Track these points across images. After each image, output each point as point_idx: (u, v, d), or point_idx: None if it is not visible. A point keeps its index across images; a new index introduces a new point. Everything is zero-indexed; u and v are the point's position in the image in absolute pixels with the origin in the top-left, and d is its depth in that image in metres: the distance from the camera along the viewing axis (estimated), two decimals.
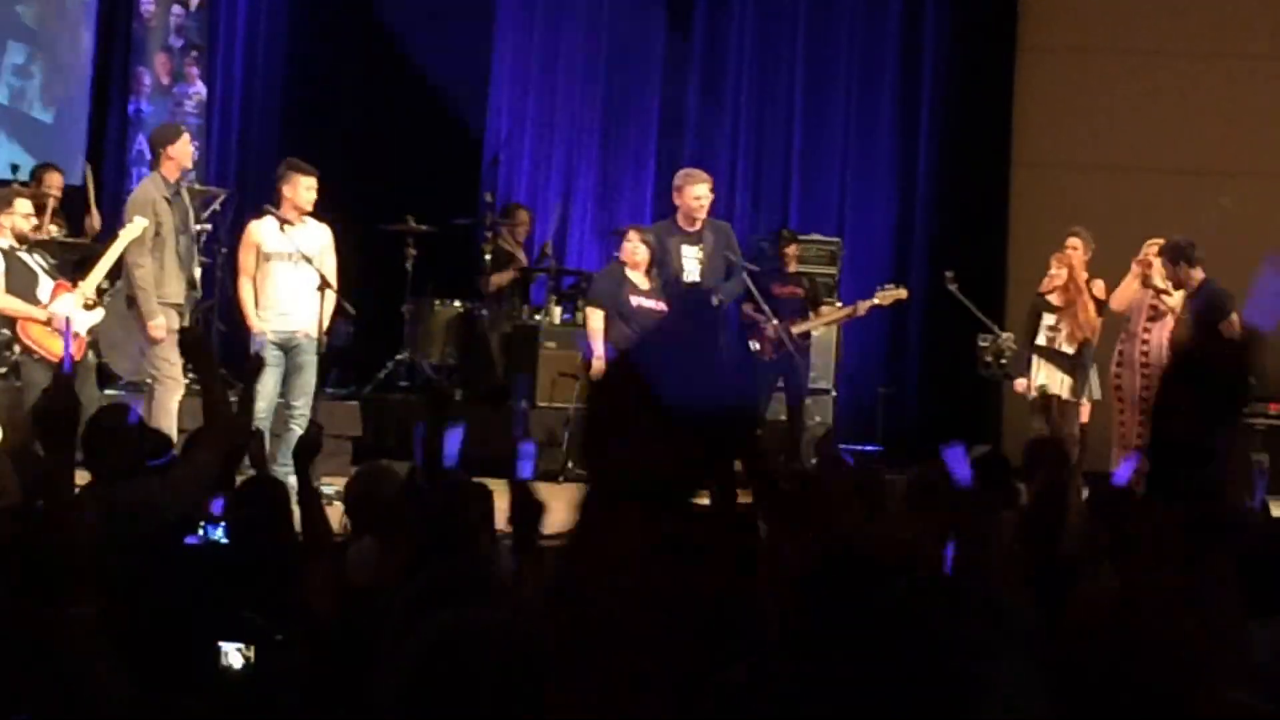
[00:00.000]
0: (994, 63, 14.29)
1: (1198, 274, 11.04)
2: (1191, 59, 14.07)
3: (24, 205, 10.41)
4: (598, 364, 10.55)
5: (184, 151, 10.57)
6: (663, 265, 11.03)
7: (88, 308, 10.32)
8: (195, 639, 4.09)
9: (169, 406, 9.98)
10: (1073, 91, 14.19)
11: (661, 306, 10.86)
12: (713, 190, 11.25)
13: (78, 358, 10.17)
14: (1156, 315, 11.26)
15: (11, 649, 3.57)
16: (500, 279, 13.38)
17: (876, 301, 12.06)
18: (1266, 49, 14.15)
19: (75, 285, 10.39)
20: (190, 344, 6.79)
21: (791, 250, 12.27)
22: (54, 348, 10.16)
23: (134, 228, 10.22)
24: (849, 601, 2.79)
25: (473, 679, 2.66)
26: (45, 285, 10.32)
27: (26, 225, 10.37)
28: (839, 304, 12.68)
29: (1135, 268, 11.22)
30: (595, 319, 11.02)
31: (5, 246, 10.21)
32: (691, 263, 11.06)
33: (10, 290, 10.20)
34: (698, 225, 11.12)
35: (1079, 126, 14.15)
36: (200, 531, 5.13)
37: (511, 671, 2.66)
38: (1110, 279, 11.59)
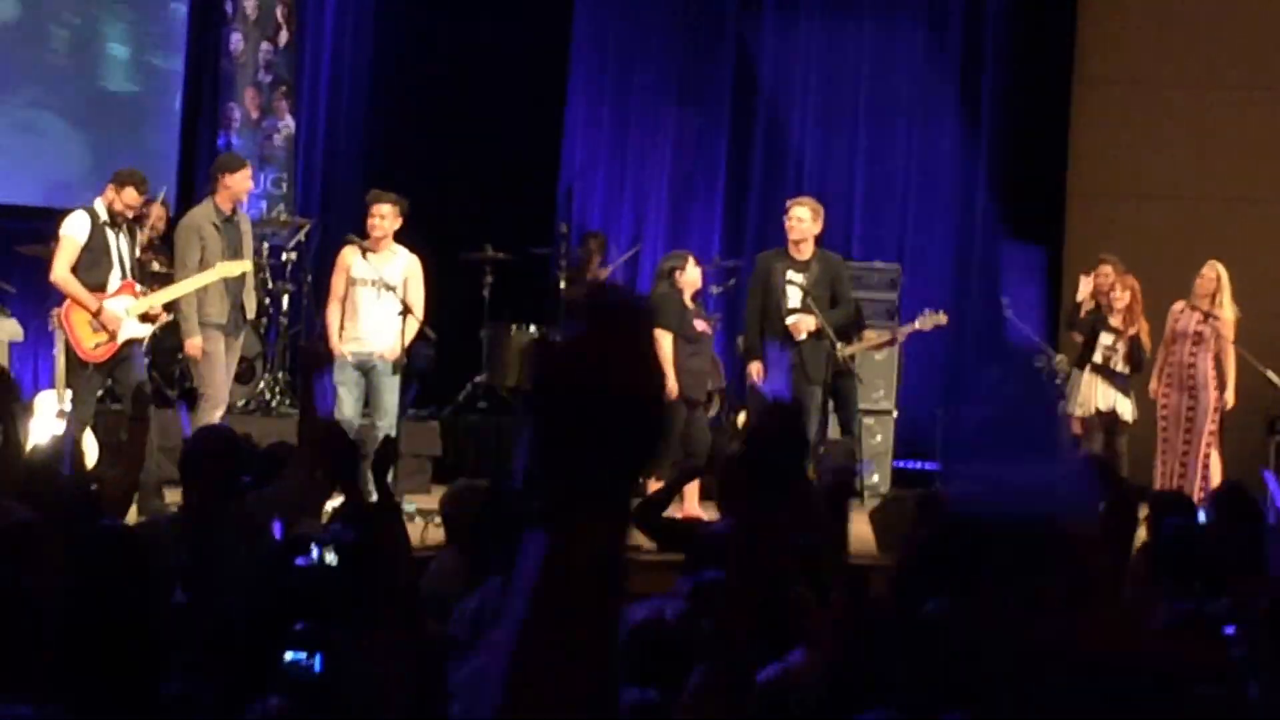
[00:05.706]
0: (1051, 94, 14.55)
1: None
2: (1245, 90, 14.27)
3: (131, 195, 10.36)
4: (672, 384, 10.61)
5: (241, 184, 10.78)
6: (767, 289, 11.24)
7: (143, 319, 10.36)
8: (274, 647, 4.35)
9: (207, 422, 9.82)
10: (1128, 122, 14.40)
11: (707, 326, 11.26)
12: (818, 217, 11.33)
13: (100, 359, 10.21)
14: (1201, 339, 11.75)
15: None
16: (572, 292, 13.70)
17: (916, 326, 12.31)
18: None
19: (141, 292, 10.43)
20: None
21: None
22: (84, 340, 10.20)
23: (235, 265, 10.54)
24: None
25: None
26: (116, 277, 10.35)
27: (128, 207, 10.29)
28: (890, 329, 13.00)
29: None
30: (666, 343, 10.80)
31: (104, 219, 10.27)
32: (794, 289, 11.27)
33: (81, 263, 10.22)
34: (805, 253, 11.34)
35: (1133, 156, 14.37)
36: (313, 553, 4.95)
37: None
38: (1163, 305, 11.98)
